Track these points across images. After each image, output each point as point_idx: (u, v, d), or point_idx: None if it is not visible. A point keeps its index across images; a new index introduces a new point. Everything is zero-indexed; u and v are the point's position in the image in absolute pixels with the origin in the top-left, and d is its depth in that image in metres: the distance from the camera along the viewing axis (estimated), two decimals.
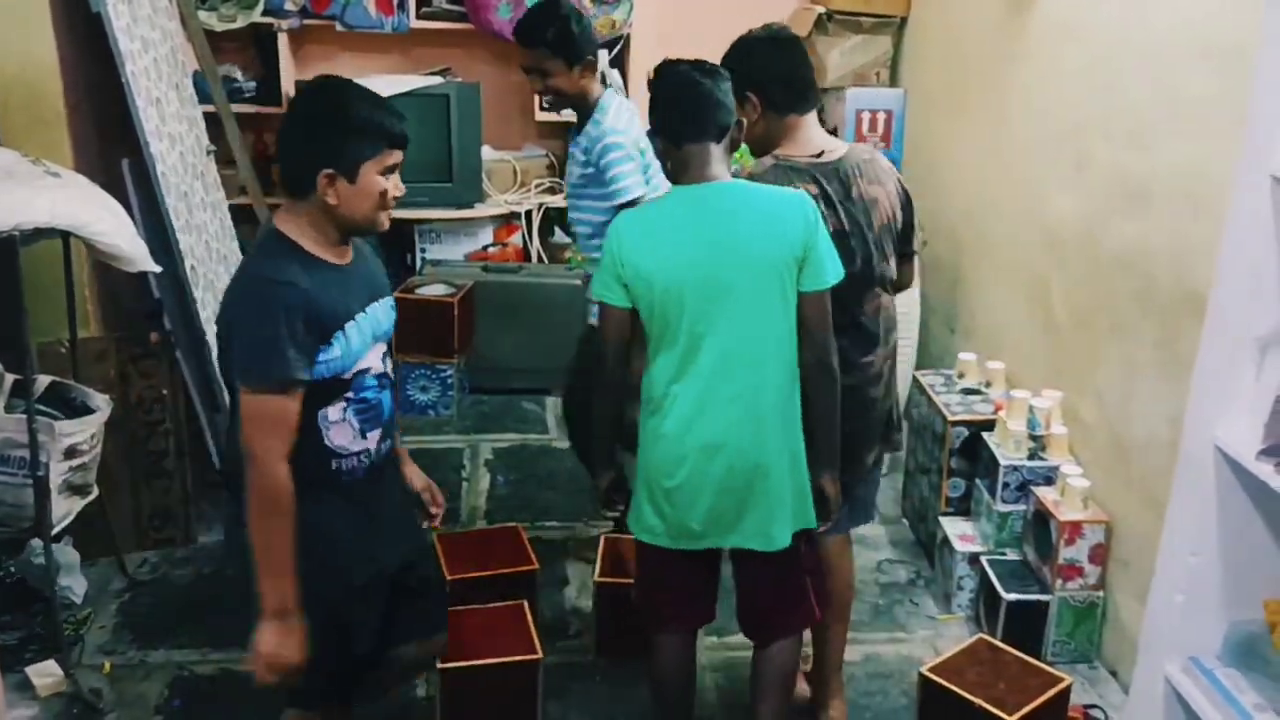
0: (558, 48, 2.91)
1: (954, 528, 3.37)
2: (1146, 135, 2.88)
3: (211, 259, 3.55)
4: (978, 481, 3.37)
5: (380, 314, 2.10)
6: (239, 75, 4.50)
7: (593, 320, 3.04)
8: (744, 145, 2.44)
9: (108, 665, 2.96)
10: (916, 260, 2.68)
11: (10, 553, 3.17)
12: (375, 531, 2.09)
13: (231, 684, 2.92)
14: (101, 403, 3.01)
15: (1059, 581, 3.02)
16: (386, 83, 4.31)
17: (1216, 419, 2.03)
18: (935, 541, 3.48)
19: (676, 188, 2.26)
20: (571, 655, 3.08)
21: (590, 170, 2.97)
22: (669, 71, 2.27)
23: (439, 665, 2.63)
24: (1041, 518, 3.07)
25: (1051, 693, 2.63)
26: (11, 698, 2.78)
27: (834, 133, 4.66)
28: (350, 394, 2.02)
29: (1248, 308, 1.95)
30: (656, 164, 3.00)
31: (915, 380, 3.73)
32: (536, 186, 4.81)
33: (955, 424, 3.38)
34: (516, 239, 4.77)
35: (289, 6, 4.39)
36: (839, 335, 2.31)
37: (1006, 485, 3.19)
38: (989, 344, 3.83)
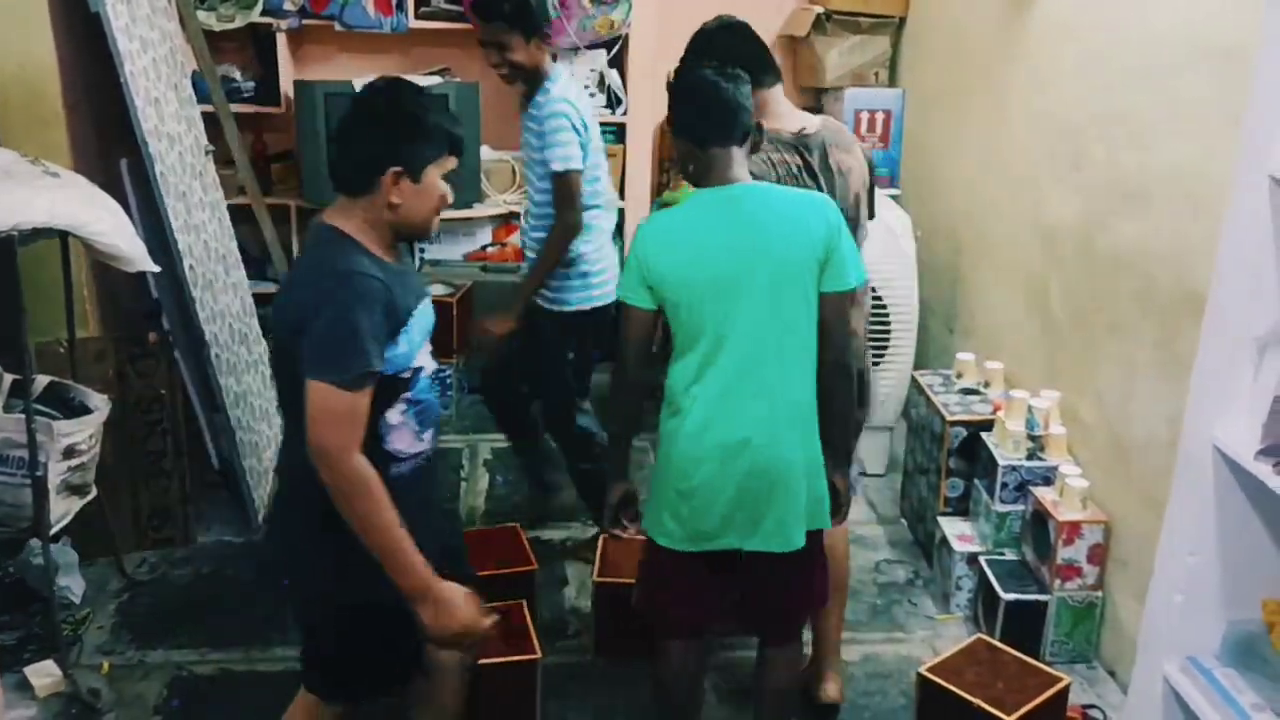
0: (515, 20, 2.99)
1: (952, 528, 3.37)
2: (1145, 135, 2.88)
3: (210, 259, 3.55)
4: (976, 481, 3.37)
5: (428, 312, 2.10)
6: (237, 75, 4.50)
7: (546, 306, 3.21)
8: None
9: (106, 665, 2.96)
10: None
11: (9, 553, 3.17)
12: (423, 530, 2.05)
13: (230, 684, 2.92)
14: (100, 403, 3.01)
15: (1057, 581, 3.02)
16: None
17: (1215, 419, 2.04)
18: (934, 542, 3.48)
19: (700, 190, 2.28)
20: (570, 655, 3.08)
21: (537, 139, 3.11)
22: (691, 75, 2.30)
23: None
24: (1040, 518, 3.07)
25: (1050, 693, 2.63)
26: (10, 698, 2.78)
27: None
28: (409, 394, 2.02)
29: (1246, 308, 1.96)
30: (599, 146, 3.22)
31: (914, 380, 3.73)
32: None
33: (954, 424, 3.38)
34: (515, 239, 4.77)
35: (288, 6, 4.39)
36: None
37: (1005, 485, 3.19)
38: (987, 344, 3.83)
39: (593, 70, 4.51)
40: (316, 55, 4.68)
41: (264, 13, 4.33)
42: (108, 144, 3.49)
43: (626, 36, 4.49)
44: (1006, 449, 3.22)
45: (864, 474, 4.04)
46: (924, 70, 4.50)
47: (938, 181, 4.31)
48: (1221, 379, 2.02)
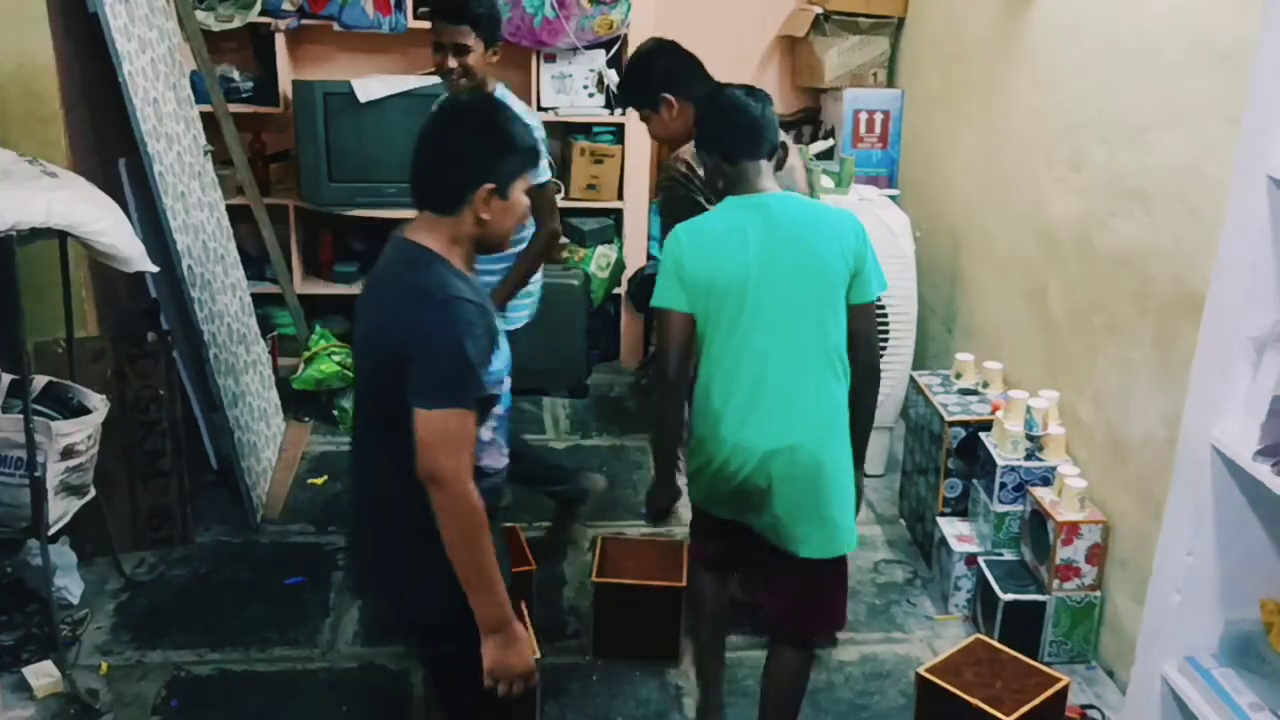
0: (481, 27, 2.99)
1: (951, 528, 3.37)
2: (1144, 136, 2.88)
3: (209, 259, 3.55)
4: (975, 482, 3.37)
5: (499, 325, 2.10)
6: (236, 75, 4.49)
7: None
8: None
9: (105, 665, 2.96)
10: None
11: (7, 553, 3.17)
12: (500, 554, 2.03)
13: (229, 684, 2.92)
14: (98, 403, 3.01)
15: (1056, 582, 3.02)
16: (384, 83, 4.31)
17: (1214, 419, 2.03)
18: (933, 542, 3.48)
19: (733, 196, 2.38)
20: (569, 655, 3.08)
21: None
22: (722, 95, 2.42)
23: None
24: (1039, 518, 3.07)
25: (1049, 693, 2.63)
26: (8, 698, 2.78)
27: (831, 133, 4.68)
28: (498, 409, 2.02)
29: (1245, 307, 1.96)
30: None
31: (913, 380, 3.73)
32: None
33: (953, 424, 3.38)
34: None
35: (286, 6, 4.38)
36: None
37: (1004, 485, 3.19)
38: (986, 344, 3.83)
39: (591, 70, 4.51)
40: (315, 55, 4.68)
41: (262, 13, 4.33)
42: (106, 144, 3.49)
43: (625, 36, 4.49)
44: (1005, 449, 3.22)
45: (864, 475, 4.04)
46: (923, 71, 4.50)
47: (937, 182, 4.31)
48: (1220, 379, 2.02)
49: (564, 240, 4.76)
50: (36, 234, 2.66)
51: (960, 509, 3.44)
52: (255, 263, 4.47)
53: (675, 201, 2.81)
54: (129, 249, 2.83)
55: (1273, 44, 1.86)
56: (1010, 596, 3.05)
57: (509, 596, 1.99)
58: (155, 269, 3.01)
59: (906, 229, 3.92)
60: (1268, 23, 1.87)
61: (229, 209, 3.99)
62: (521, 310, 3.24)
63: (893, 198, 4.21)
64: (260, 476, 3.72)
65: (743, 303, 2.29)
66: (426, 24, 4.46)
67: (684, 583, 2.99)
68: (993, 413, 3.37)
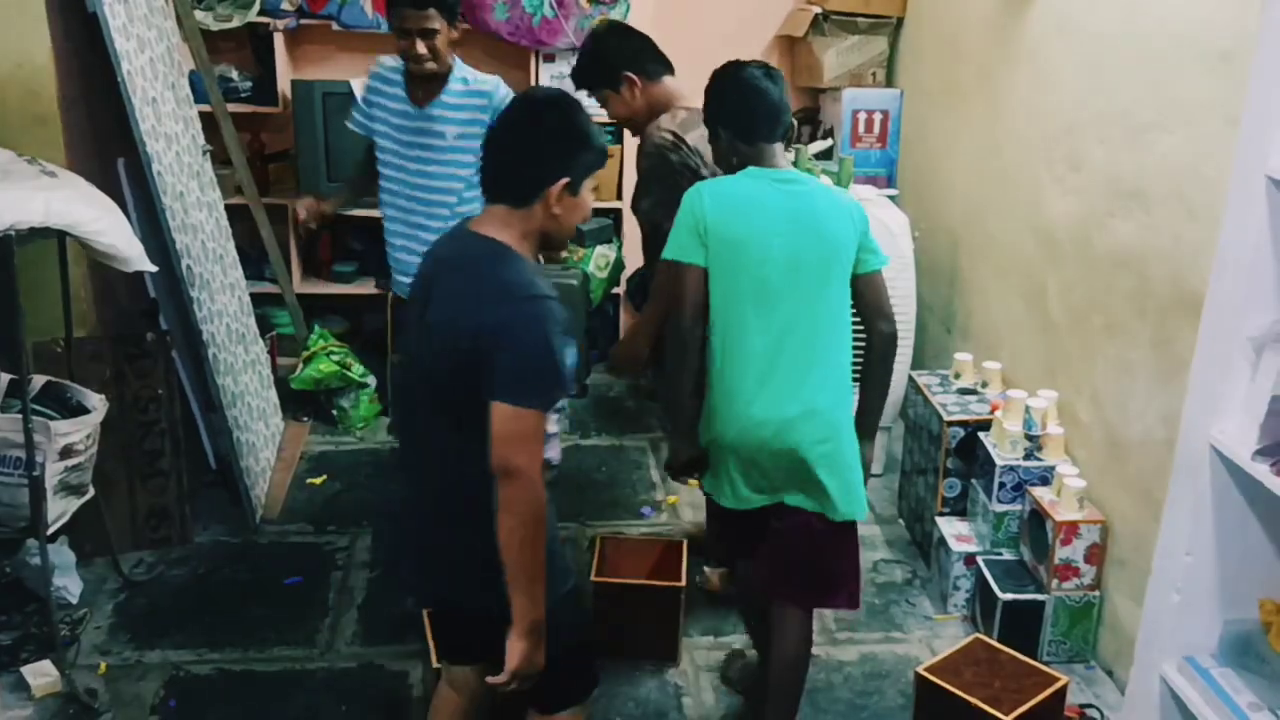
0: (445, 7, 3.04)
1: (950, 528, 3.37)
2: (1142, 136, 2.88)
3: (207, 258, 3.54)
4: (974, 481, 3.37)
5: None
6: (235, 75, 4.49)
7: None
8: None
9: (103, 665, 2.96)
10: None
11: (6, 553, 3.17)
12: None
13: (228, 684, 2.92)
14: (97, 402, 3.01)
15: (1055, 581, 3.02)
16: None
17: (1212, 419, 2.04)
18: (931, 541, 3.48)
19: (751, 167, 2.46)
20: None
21: (484, 115, 3.12)
22: (739, 74, 2.50)
23: (435, 665, 2.63)
24: (1038, 518, 3.07)
25: (1048, 692, 2.63)
26: (7, 698, 2.78)
27: (830, 133, 4.68)
28: (561, 403, 2.01)
29: (1244, 307, 1.96)
30: None
31: (911, 380, 3.73)
32: None
33: (952, 424, 3.39)
34: None
35: (285, 6, 4.38)
36: None
37: (1003, 485, 3.19)
38: (985, 344, 3.83)
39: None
40: (314, 55, 4.68)
41: (261, 12, 4.33)
42: (105, 143, 3.48)
43: None
44: (1004, 449, 3.22)
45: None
46: (922, 70, 4.51)
47: (935, 182, 4.31)
48: (1219, 379, 2.02)
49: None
50: (35, 234, 2.65)
51: (959, 509, 3.45)
52: (254, 262, 4.47)
53: (666, 167, 2.85)
54: (128, 249, 2.83)
55: (1272, 44, 1.86)
56: (1009, 596, 3.05)
57: None
58: (154, 269, 3.01)
59: (905, 229, 3.92)
60: (1267, 23, 1.87)
61: (228, 209, 3.99)
62: None
63: (891, 198, 4.21)
64: (259, 476, 3.72)
65: (763, 269, 2.36)
66: None
67: (683, 582, 3.00)
68: (992, 412, 3.37)
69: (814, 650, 3.06)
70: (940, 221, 4.22)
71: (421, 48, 3.06)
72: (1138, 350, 2.90)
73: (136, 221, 3.35)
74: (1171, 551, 2.16)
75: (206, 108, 4.03)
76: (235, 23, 4.28)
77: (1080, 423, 3.19)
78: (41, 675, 2.83)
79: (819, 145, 4.48)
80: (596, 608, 3.06)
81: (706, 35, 4.62)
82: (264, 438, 3.86)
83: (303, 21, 4.45)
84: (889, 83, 4.71)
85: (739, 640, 3.12)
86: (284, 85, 4.51)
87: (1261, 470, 1.92)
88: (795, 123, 2.50)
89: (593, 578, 3.06)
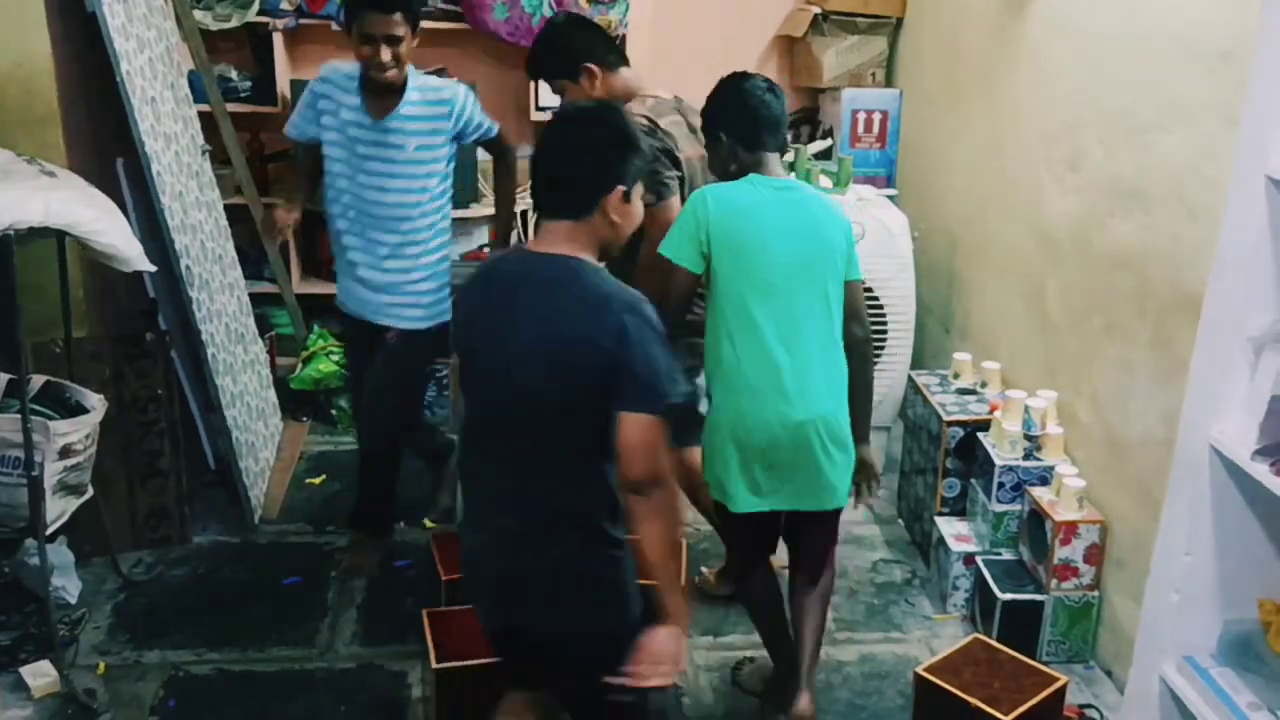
0: (410, 13, 3.00)
1: (949, 528, 3.37)
2: (1142, 136, 2.88)
3: (207, 258, 3.54)
4: (973, 481, 3.37)
5: None
6: (234, 75, 4.49)
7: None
8: None
9: (102, 665, 2.96)
10: None
11: (5, 553, 3.16)
12: None
13: (227, 684, 2.92)
14: (96, 402, 3.00)
15: (1054, 581, 3.02)
16: None
17: (1212, 419, 2.04)
18: (931, 541, 3.48)
19: (753, 175, 2.57)
20: None
21: (445, 124, 3.12)
22: (744, 84, 2.61)
23: (434, 666, 2.63)
24: (1037, 518, 3.07)
25: (1047, 692, 2.63)
26: (6, 698, 2.78)
27: (829, 133, 4.68)
28: None
29: (1243, 307, 1.96)
30: None
31: (911, 380, 3.73)
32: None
33: (951, 424, 3.38)
34: (512, 238, 4.76)
35: (284, 6, 4.37)
36: None
37: (1002, 485, 3.19)
38: (984, 344, 3.83)
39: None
40: (313, 55, 4.66)
41: (261, 12, 4.32)
42: (104, 143, 3.48)
43: (624, 36, 4.49)
44: (1003, 449, 3.22)
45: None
46: (921, 71, 4.50)
47: (935, 182, 4.31)
48: (1218, 379, 2.02)
49: None
50: (34, 234, 2.65)
51: (958, 509, 3.45)
52: (253, 262, 4.46)
53: (658, 152, 2.88)
54: (127, 248, 2.82)
55: (1272, 44, 1.86)
56: (1008, 596, 3.05)
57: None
58: (153, 268, 3.01)
59: (905, 229, 3.92)
60: (1267, 23, 1.87)
61: (227, 208, 3.99)
62: (445, 305, 3.25)
63: (891, 198, 4.21)
64: (258, 476, 3.72)
65: (769, 274, 2.47)
66: (424, 24, 4.49)
67: (683, 582, 3.00)
68: (991, 412, 3.37)
69: None
70: (939, 221, 4.22)
71: (386, 55, 2.94)
72: (1137, 350, 2.90)
73: (136, 221, 3.34)
74: (1171, 551, 2.16)
75: (206, 107, 4.03)
76: (234, 22, 4.28)
77: (1079, 423, 3.19)
78: (40, 675, 2.83)
79: (818, 145, 4.47)
80: None
81: (706, 35, 4.62)
82: (263, 438, 3.85)
83: (302, 21, 4.45)
84: (888, 83, 4.71)
85: (738, 639, 3.12)
86: (283, 85, 4.50)
87: (1261, 470, 1.92)
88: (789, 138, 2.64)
89: None
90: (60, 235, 2.77)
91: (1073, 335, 3.25)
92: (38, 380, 2.98)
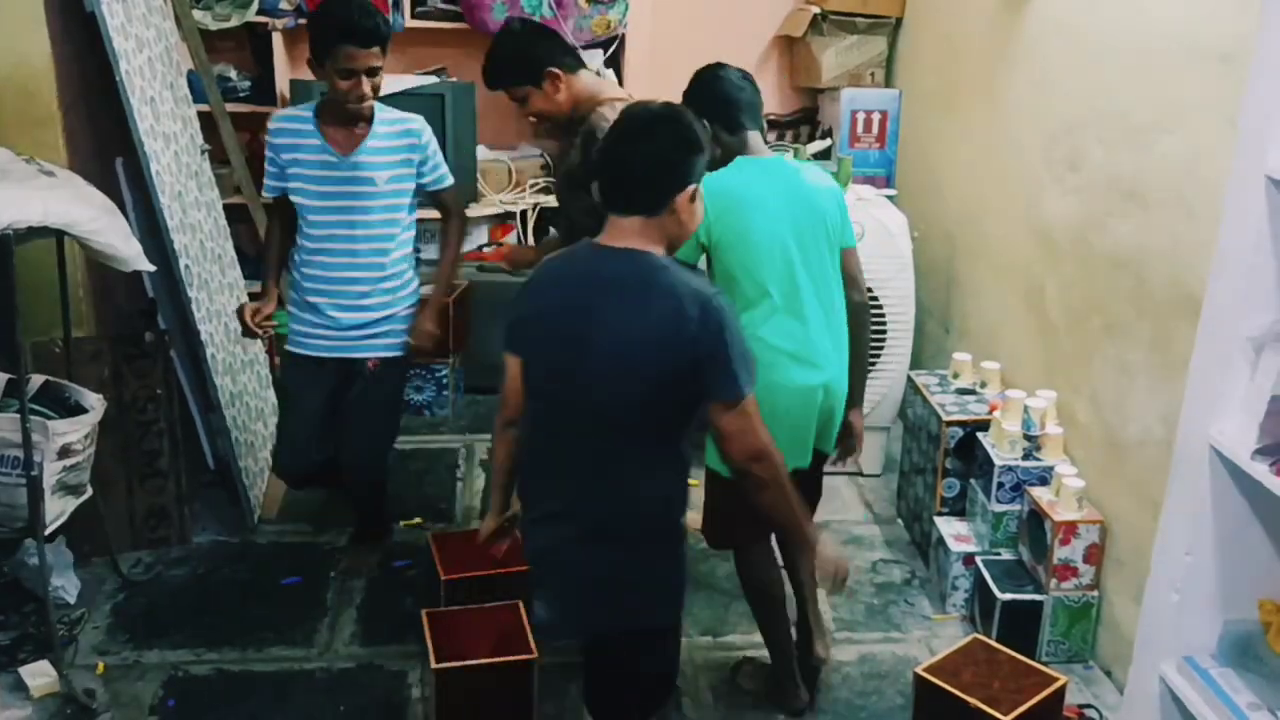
0: (386, 42, 2.92)
1: (949, 528, 3.37)
2: (1141, 135, 2.89)
3: (206, 259, 3.54)
4: (973, 482, 3.37)
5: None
6: (233, 74, 4.49)
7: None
8: None
9: (102, 665, 2.96)
10: None
11: (4, 553, 3.16)
12: None
13: (226, 684, 2.92)
14: (95, 402, 3.00)
15: (1054, 581, 3.02)
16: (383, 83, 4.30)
17: (1212, 418, 2.04)
18: (930, 542, 3.48)
19: (741, 157, 2.67)
20: (567, 655, 3.06)
21: (413, 155, 3.03)
22: (717, 74, 2.75)
23: (433, 666, 2.63)
24: (1036, 518, 3.07)
25: (1047, 692, 2.63)
26: (5, 698, 2.78)
27: (828, 133, 4.68)
28: None
29: (1243, 307, 1.96)
30: None
31: (910, 380, 3.73)
32: (531, 186, 4.81)
33: (950, 424, 3.38)
34: (511, 238, 4.76)
35: (284, 6, 4.37)
36: None
37: (1001, 485, 3.19)
38: (984, 344, 3.83)
39: (589, 70, 4.50)
40: None
41: (260, 12, 4.32)
42: (103, 143, 3.48)
43: (623, 36, 4.49)
44: (1003, 449, 3.22)
45: (861, 474, 4.05)
46: (920, 71, 4.51)
47: (934, 182, 4.31)
48: (1218, 378, 2.02)
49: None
50: (34, 233, 2.65)
51: (958, 509, 3.45)
52: (252, 262, 4.45)
53: None
54: (126, 248, 2.82)
55: (1271, 45, 1.86)
56: (1008, 596, 3.05)
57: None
58: (152, 268, 3.01)
59: (904, 229, 3.92)
60: (1266, 23, 1.87)
61: (226, 208, 3.99)
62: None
63: (890, 198, 4.21)
64: (257, 476, 3.72)
65: (776, 249, 2.55)
66: (423, 23, 4.51)
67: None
68: (990, 412, 3.37)
69: None
70: (939, 221, 4.22)
71: (367, 88, 2.87)
72: (1137, 350, 2.90)
73: (135, 221, 3.34)
74: (1170, 551, 2.16)
75: (205, 107, 4.03)
76: (234, 22, 4.28)
77: (1079, 423, 3.19)
78: (39, 675, 2.82)
79: (818, 145, 4.48)
80: None
81: (705, 35, 4.62)
82: (262, 438, 3.85)
83: (301, 21, 4.44)
84: (888, 83, 4.71)
85: (738, 639, 3.12)
86: (283, 85, 4.50)
87: (1261, 470, 1.92)
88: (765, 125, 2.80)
89: None
90: (59, 235, 2.77)
91: (1072, 335, 3.25)
92: (37, 380, 2.98)
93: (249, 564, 3.44)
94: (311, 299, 3.08)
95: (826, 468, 2.89)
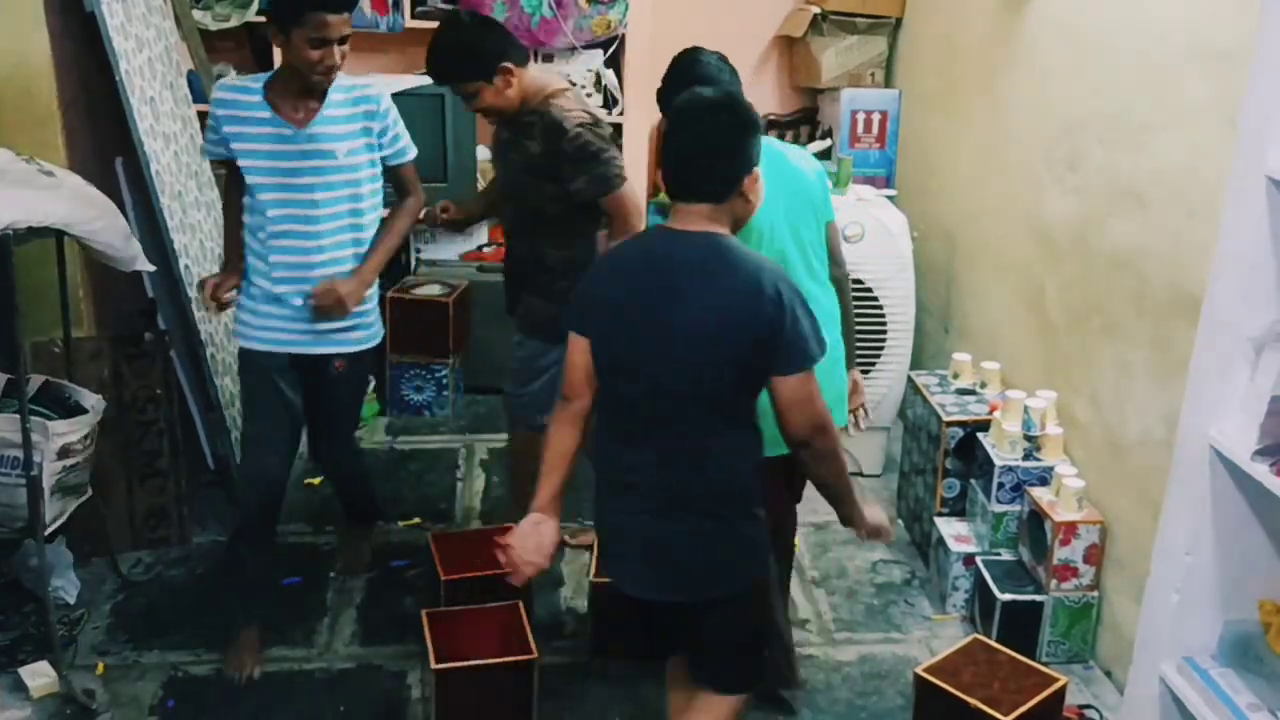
0: (352, 7, 2.81)
1: (949, 528, 3.37)
2: (1141, 136, 2.88)
3: (206, 258, 3.54)
4: (973, 482, 3.37)
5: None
6: (233, 74, 4.49)
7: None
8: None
9: (101, 666, 2.96)
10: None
11: (3, 553, 3.16)
12: None
13: (226, 684, 2.92)
14: (95, 402, 3.00)
15: (1054, 582, 3.02)
16: (381, 82, 4.30)
17: (1212, 419, 2.04)
18: (930, 542, 3.48)
19: None
20: (567, 655, 3.07)
21: (372, 123, 2.86)
22: (696, 58, 2.78)
23: (433, 666, 2.63)
24: (1036, 518, 3.07)
25: (1047, 693, 2.63)
26: (5, 699, 2.78)
27: (829, 133, 4.68)
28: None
29: (1243, 307, 1.96)
30: None
31: (910, 380, 3.73)
32: None
33: (950, 424, 3.38)
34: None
35: None
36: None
37: (1001, 485, 3.19)
38: (984, 344, 3.83)
39: (589, 70, 4.50)
40: None
41: (260, 12, 4.32)
42: (103, 143, 3.48)
43: (623, 36, 4.49)
44: (1003, 449, 3.22)
45: (861, 474, 4.04)
46: (920, 71, 4.51)
47: (934, 182, 4.31)
48: (1218, 379, 2.02)
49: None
50: (33, 233, 2.65)
51: (958, 509, 3.44)
52: None
53: (597, 144, 2.94)
54: (126, 248, 2.82)
55: (1271, 44, 1.86)
56: (1008, 597, 3.05)
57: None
58: (152, 268, 3.01)
59: (904, 229, 3.92)
60: (1267, 23, 1.87)
61: None
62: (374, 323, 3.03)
63: (890, 198, 4.21)
64: None
65: (775, 229, 2.55)
66: (423, 23, 4.50)
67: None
68: (990, 413, 3.37)
69: (812, 650, 3.14)
70: (939, 222, 4.22)
71: (338, 56, 2.71)
72: (1137, 350, 2.90)
73: (134, 221, 3.34)
74: (1171, 552, 2.16)
75: (205, 107, 4.02)
76: (233, 22, 4.28)
77: (1079, 423, 3.19)
78: (39, 676, 2.82)
79: (818, 145, 4.47)
80: (594, 608, 3.06)
81: (705, 35, 4.59)
82: None
83: None
84: (888, 83, 4.71)
85: None
86: None
87: (1261, 470, 1.92)
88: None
89: (590, 578, 3.05)
90: (59, 235, 2.77)
91: (1072, 335, 3.25)
92: (37, 380, 2.98)
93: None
94: (278, 289, 2.86)
95: (852, 432, 2.92)
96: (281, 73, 2.83)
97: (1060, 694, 2.68)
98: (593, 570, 3.07)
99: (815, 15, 4.55)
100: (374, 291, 3.00)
